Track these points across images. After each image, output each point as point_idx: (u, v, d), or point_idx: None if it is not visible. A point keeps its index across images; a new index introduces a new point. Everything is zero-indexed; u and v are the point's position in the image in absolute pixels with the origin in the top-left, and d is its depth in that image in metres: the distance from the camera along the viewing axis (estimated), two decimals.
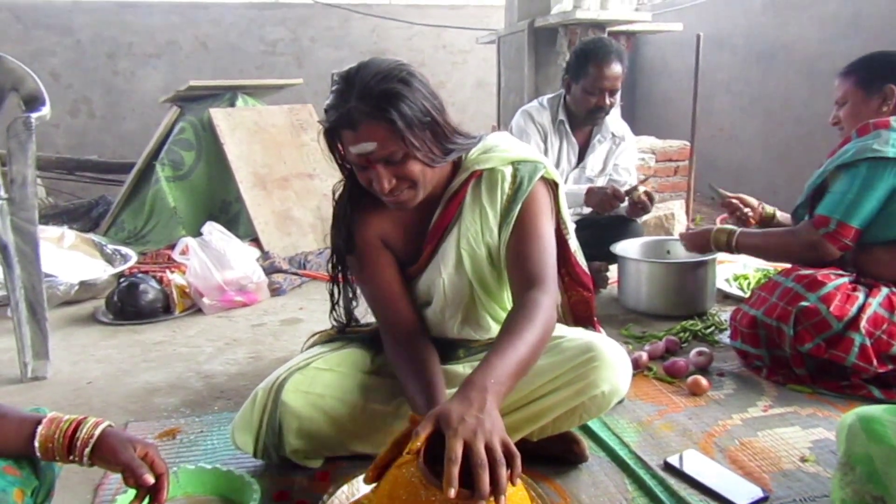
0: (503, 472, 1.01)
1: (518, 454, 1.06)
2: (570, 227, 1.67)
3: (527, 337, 1.25)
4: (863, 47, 2.69)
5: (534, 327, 1.28)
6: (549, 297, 1.37)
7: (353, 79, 1.32)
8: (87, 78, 6.06)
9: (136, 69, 6.17)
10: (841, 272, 2.02)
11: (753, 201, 2.46)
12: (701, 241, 2.37)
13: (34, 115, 2.24)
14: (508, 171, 1.51)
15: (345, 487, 1.37)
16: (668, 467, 1.61)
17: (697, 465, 1.60)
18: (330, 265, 1.62)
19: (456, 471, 0.99)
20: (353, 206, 1.53)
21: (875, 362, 1.86)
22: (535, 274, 1.40)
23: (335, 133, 1.38)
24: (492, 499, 1.00)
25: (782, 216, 2.43)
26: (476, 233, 1.52)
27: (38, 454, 1.19)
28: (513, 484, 1.05)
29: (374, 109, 1.29)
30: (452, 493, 0.98)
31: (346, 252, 1.56)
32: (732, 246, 2.27)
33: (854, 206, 1.97)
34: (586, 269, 1.75)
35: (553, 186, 1.57)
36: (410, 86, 1.33)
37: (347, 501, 1.34)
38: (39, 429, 1.18)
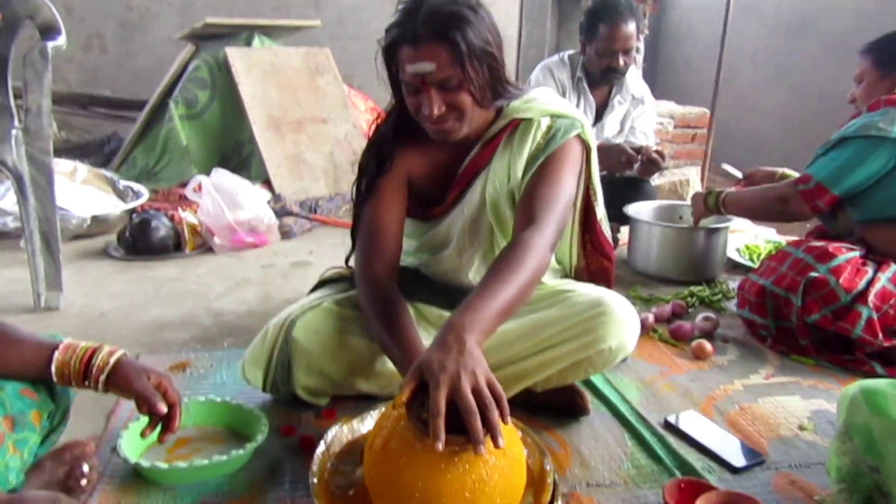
0: (495, 415, 1.01)
1: (503, 394, 1.05)
2: (600, 195, 1.67)
3: (513, 278, 1.23)
4: None
5: (522, 268, 1.25)
6: (544, 239, 1.33)
7: None
8: (101, 12, 5.97)
9: (151, 5, 6.08)
10: (851, 246, 2.02)
11: (770, 169, 2.47)
12: (699, 205, 2.43)
13: (50, 44, 2.22)
14: (545, 121, 1.51)
15: (345, 427, 1.40)
16: (667, 426, 1.63)
17: (697, 425, 1.62)
18: (354, 190, 1.58)
19: (440, 423, 0.98)
20: (395, 134, 1.51)
21: (881, 336, 1.88)
22: (536, 213, 1.38)
23: (395, 50, 1.36)
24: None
25: None
26: (503, 178, 1.52)
27: (54, 379, 1.22)
28: (504, 422, 1.04)
29: (439, 29, 1.29)
30: (440, 446, 0.98)
31: (378, 174, 1.51)
32: (721, 205, 2.32)
33: (839, 174, 1.99)
34: (610, 239, 1.75)
35: (586, 148, 1.56)
36: (478, 14, 1.33)
37: (349, 438, 1.37)
38: (56, 354, 1.21)
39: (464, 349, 1.06)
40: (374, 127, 1.56)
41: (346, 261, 1.66)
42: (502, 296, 1.19)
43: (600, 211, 1.69)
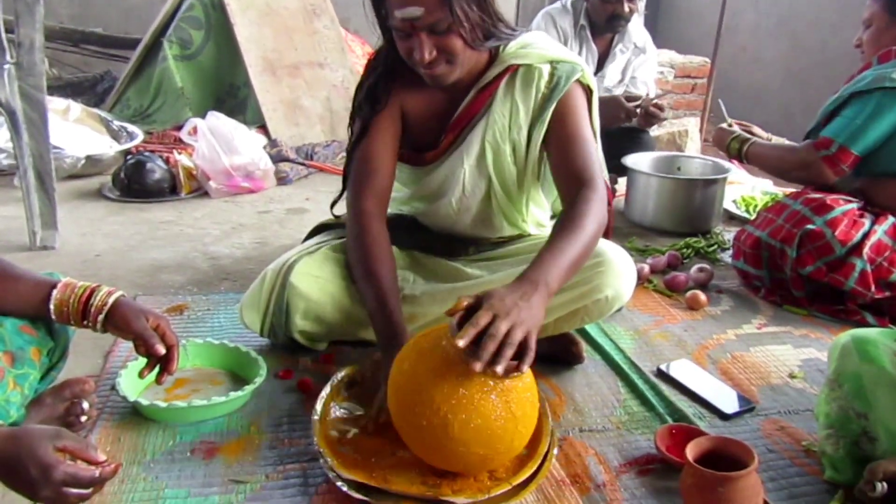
0: (509, 352, 1.06)
1: (533, 349, 1.10)
2: (598, 137, 1.66)
3: (579, 235, 1.28)
4: None
5: (586, 225, 1.30)
6: (598, 194, 1.37)
7: None
8: None
9: None
10: (850, 198, 2.02)
11: (763, 133, 2.44)
12: (722, 140, 2.37)
13: None
14: (546, 69, 1.48)
15: (351, 372, 1.42)
16: (660, 374, 1.66)
17: (689, 373, 1.65)
18: (348, 128, 1.58)
19: (473, 332, 1.05)
20: (387, 76, 1.49)
21: (873, 288, 1.89)
22: (582, 173, 1.40)
23: None
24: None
25: None
26: (503, 127, 1.50)
27: (52, 316, 1.22)
28: (519, 371, 1.09)
29: None
30: (461, 342, 1.04)
31: (372, 114, 1.50)
32: (743, 153, 2.28)
33: (859, 133, 1.95)
34: (608, 181, 1.74)
35: (588, 92, 1.54)
36: None
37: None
38: (55, 292, 1.21)
39: (529, 298, 1.12)
40: (366, 67, 1.54)
41: (332, 206, 1.65)
42: (570, 252, 1.24)
43: (599, 155, 1.67)
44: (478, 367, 1.05)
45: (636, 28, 2.85)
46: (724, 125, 2.44)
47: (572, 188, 1.40)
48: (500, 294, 1.11)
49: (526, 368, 1.10)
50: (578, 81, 1.50)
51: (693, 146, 3.98)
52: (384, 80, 1.49)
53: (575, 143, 1.45)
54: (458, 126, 1.52)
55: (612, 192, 2.42)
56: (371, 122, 1.50)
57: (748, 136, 2.31)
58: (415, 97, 1.51)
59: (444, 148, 1.55)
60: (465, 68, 1.41)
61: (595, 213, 1.33)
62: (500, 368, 1.06)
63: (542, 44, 1.52)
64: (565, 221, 1.31)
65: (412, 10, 1.28)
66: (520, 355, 1.09)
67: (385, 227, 1.49)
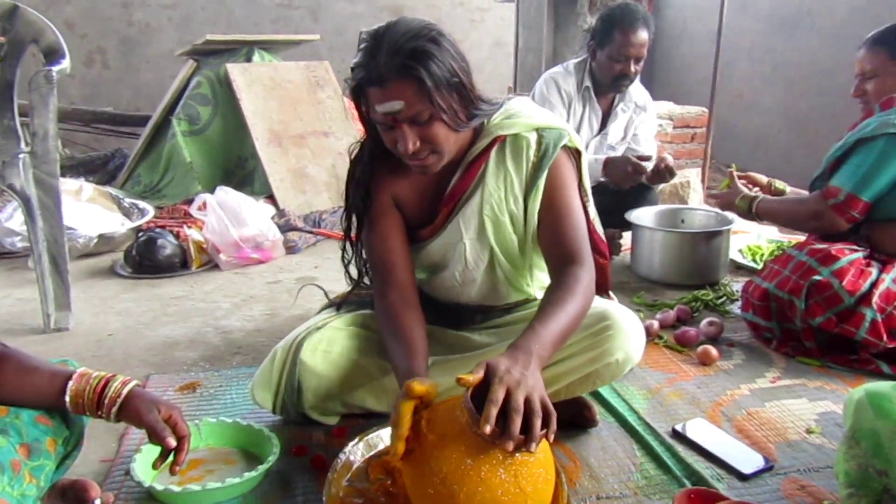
0: (538, 422, 1.07)
1: (555, 413, 1.11)
2: (590, 194, 1.68)
3: (568, 308, 1.29)
4: (893, 15, 2.64)
5: (574, 299, 1.32)
6: (587, 271, 1.40)
7: (383, 36, 1.31)
8: (102, 28, 6.02)
9: (151, 20, 6.12)
10: (855, 247, 2.02)
11: (763, 178, 2.46)
12: (729, 202, 2.39)
13: (55, 69, 2.24)
14: (533, 137, 1.51)
15: (361, 444, 1.41)
16: (675, 434, 1.64)
17: (704, 433, 1.64)
18: (343, 222, 1.61)
19: (495, 411, 1.05)
20: (372, 166, 1.53)
21: (885, 337, 1.88)
22: (572, 250, 1.43)
23: (361, 91, 1.36)
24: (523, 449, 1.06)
25: (793, 192, 2.42)
26: (500, 199, 1.53)
27: (68, 408, 1.24)
28: (548, 440, 1.10)
29: (403, 67, 1.28)
30: (488, 429, 1.04)
31: (364, 212, 1.55)
32: (753, 212, 2.30)
33: (867, 180, 1.97)
34: (603, 237, 1.76)
35: (576, 154, 1.57)
36: (440, 45, 1.32)
37: (366, 454, 1.39)
38: (70, 384, 1.23)
39: (529, 367, 1.14)
40: (352, 160, 1.56)
41: (349, 293, 1.68)
42: (559, 324, 1.26)
43: (592, 211, 1.70)
44: (511, 446, 1.05)
45: (636, 87, 2.91)
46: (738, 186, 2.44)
47: (561, 263, 1.43)
48: (505, 365, 1.11)
49: (552, 436, 1.10)
50: (566, 146, 1.53)
51: (696, 196, 4.01)
52: (370, 171, 1.52)
53: (564, 218, 1.48)
54: (451, 201, 1.54)
55: (610, 248, 2.45)
56: (371, 216, 1.54)
57: (753, 194, 2.32)
58: (403, 182, 1.54)
59: (439, 223, 1.57)
60: (453, 152, 1.43)
61: (583, 292, 1.35)
62: (534, 447, 1.06)
63: (527, 111, 1.54)
64: (555, 296, 1.33)
65: (393, 105, 1.30)
66: (544, 423, 1.09)
67: (416, 314, 1.48)
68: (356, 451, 1.40)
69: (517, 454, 1.11)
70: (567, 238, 1.45)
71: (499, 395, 1.06)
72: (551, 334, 1.23)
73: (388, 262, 1.52)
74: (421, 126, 1.34)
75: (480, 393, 1.10)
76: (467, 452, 1.10)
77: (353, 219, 1.57)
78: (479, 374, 1.11)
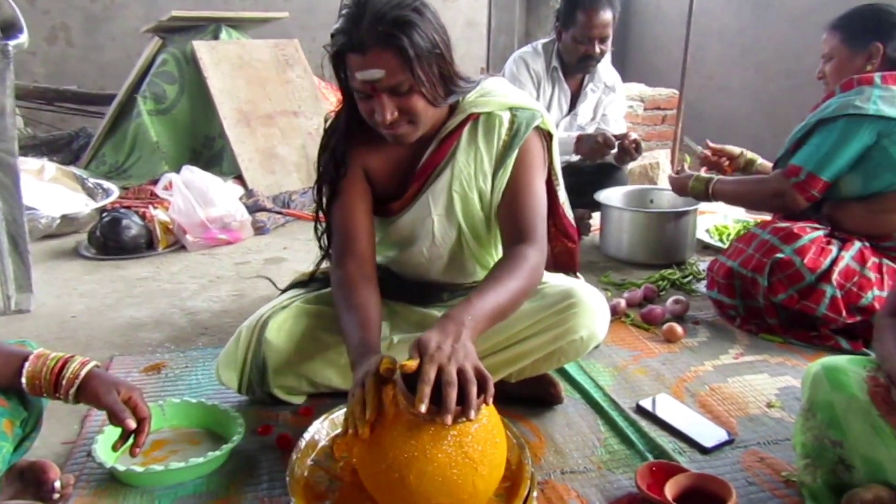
0: (473, 390, 1.08)
1: (490, 377, 1.11)
2: (561, 178, 1.69)
3: (509, 285, 1.29)
4: None
5: (518, 278, 1.32)
6: (538, 251, 1.40)
7: (366, 3, 1.29)
8: (65, 4, 5.84)
9: None
10: (816, 226, 2.06)
11: (735, 150, 2.48)
12: (682, 186, 2.40)
13: (12, 43, 2.18)
14: (506, 116, 1.51)
15: (326, 423, 1.41)
16: (640, 410, 1.67)
17: (668, 408, 1.66)
18: (315, 193, 1.59)
19: (428, 390, 1.06)
20: (347, 136, 1.51)
21: (844, 313, 1.92)
22: (525, 228, 1.43)
23: (341, 57, 1.35)
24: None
25: (763, 164, 2.45)
26: (469, 176, 1.52)
27: (25, 389, 1.21)
28: (486, 403, 1.10)
29: (385, 35, 1.27)
30: (423, 408, 1.05)
31: (337, 179, 1.52)
32: (709, 194, 2.31)
33: (827, 160, 2.00)
34: (573, 221, 1.77)
35: (547, 137, 1.57)
36: (423, 16, 1.31)
37: (331, 433, 1.38)
38: (27, 365, 1.21)
39: (459, 338, 1.14)
40: (326, 129, 1.55)
41: (317, 267, 1.66)
42: (498, 299, 1.26)
43: (562, 195, 1.71)
44: (449, 419, 1.06)
45: (605, 68, 2.92)
46: (686, 169, 2.46)
47: (513, 240, 1.43)
48: (434, 340, 1.12)
49: (490, 400, 1.11)
50: (538, 128, 1.53)
51: (665, 177, 4.04)
52: (345, 141, 1.50)
53: (523, 196, 1.48)
54: (422, 176, 1.54)
55: (580, 229, 2.46)
56: (340, 185, 1.51)
57: (708, 175, 2.33)
58: (376, 153, 1.53)
59: (409, 198, 1.56)
60: (428, 125, 1.43)
61: (529, 272, 1.35)
62: (473, 414, 1.07)
63: (502, 91, 1.54)
64: (500, 271, 1.34)
65: (373, 73, 1.29)
66: (481, 389, 1.10)
67: (372, 287, 1.46)
68: (321, 430, 1.40)
69: (459, 425, 1.10)
70: (522, 216, 1.46)
71: (430, 373, 1.07)
72: (487, 307, 1.23)
73: (350, 232, 1.50)
74: (399, 97, 1.33)
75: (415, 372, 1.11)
76: (410, 435, 1.10)
77: (325, 189, 1.55)
78: (418, 359, 1.11)
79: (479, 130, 1.51)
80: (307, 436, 1.35)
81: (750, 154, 2.47)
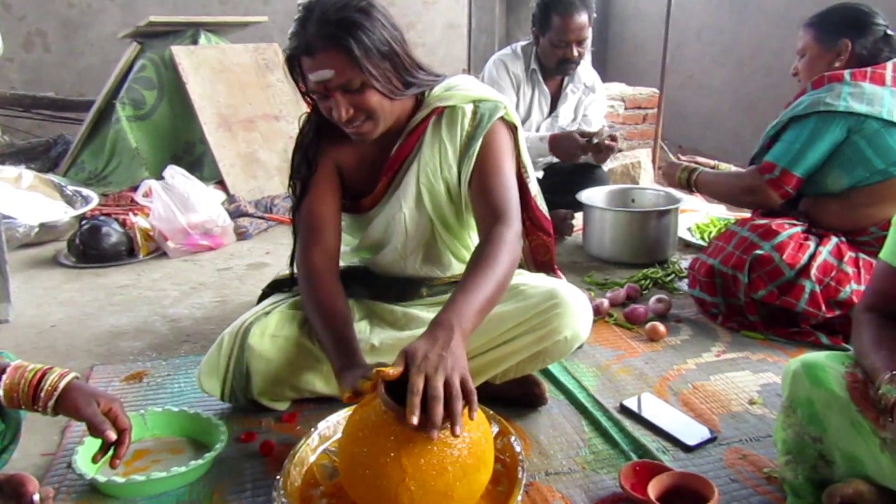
0: (458, 405, 1.07)
1: (474, 390, 1.11)
2: (531, 170, 1.70)
3: (491, 273, 1.30)
4: None
5: (499, 263, 1.32)
6: (513, 230, 1.41)
7: (314, 7, 1.35)
8: (42, 10, 5.78)
9: (93, 1, 5.91)
10: (794, 222, 2.08)
11: (709, 162, 2.51)
12: (671, 175, 2.43)
13: None
14: (469, 108, 1.54)
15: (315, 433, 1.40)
16: (623, 410, 1.67)
17: (652, 407, 1.67)
18: (290, 193, 1.62)
19: (417, 401, 1.05)
20: (318, 135, 1.55)
21: (823, 308, 1.94)
22: (498, 207, 1.44)
23: (295, 60, 1.40)
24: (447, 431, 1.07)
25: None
26: (435, 168, 1.55)
27: (2, 402, 1.20)
28: (471, 418, 1.11)
29: (330, 36, 1.33)
30: (415, 420, 1.04)
31: (309, 176, 1.56)
32: (692, 184, 2.34)
33: (799, 156, 2.02)
34: (546, 214, 1.78)
35: (513, 129, 1.59)
36: (369, 15, 1.36)
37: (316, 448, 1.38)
38: (4, 377, 1.19)
39: (448, 345, 1.14)
40: (300, 131, 1.60)
41: (291, 262, 1.66)
42: (483, 291, 1.26)
43: (534, 187, 1.72)
44: (435, 434, 1.05)
45: (585, 69, 2.93)
46: (671, 159, 2.50)
47: (487, 222, 1.44)
48: (422, 350, 1.12)
49: (475, 415, 1.11)
50: (502, 119, 1.55)
51: (647, 176, 4.07)
52: (315, 140, 1.55)
53: (493, 178, 1.49)
54: (391, 170, 1.57)
55: (560, 228, 2.46)
56: (310, 182, 1.55)
57: (694, 166, 2.37)
58: (346, 150, 1.57)
59: (380, 192, 1.59)
60: (390, 120, 1.46)
61: (507, 251, 1.35)
62: (458, 429, 1.06)
63: (466, 85, 1.57)
64: (478, 260, 1.34)
65: (323, 73, 1.34)
66: (466, 402, 1.10)
67: (337, 280, 1.52)
68: (314, 441, 1.39)
69: (443, 437, 1.10)
70: (493, 197, 1.47)
71: (418, 384, 1.07)
72: (474, 302, 1.24)
73: (318, 224, 1.54)
74: (353, 94, 1.37)
75: (403, 380, 1.11)
76: (391, 447, 1.10)
77: (297, 186, 1.58)
78: (400, 368, 1.12)
79: (443, 123, 1.54)
80: (299, 446, 1.34)
81: (724, 166, 2.50)
